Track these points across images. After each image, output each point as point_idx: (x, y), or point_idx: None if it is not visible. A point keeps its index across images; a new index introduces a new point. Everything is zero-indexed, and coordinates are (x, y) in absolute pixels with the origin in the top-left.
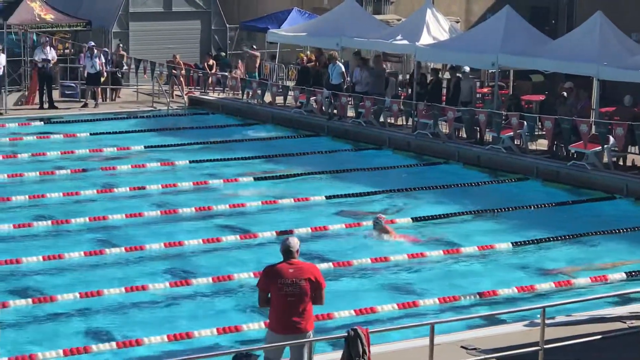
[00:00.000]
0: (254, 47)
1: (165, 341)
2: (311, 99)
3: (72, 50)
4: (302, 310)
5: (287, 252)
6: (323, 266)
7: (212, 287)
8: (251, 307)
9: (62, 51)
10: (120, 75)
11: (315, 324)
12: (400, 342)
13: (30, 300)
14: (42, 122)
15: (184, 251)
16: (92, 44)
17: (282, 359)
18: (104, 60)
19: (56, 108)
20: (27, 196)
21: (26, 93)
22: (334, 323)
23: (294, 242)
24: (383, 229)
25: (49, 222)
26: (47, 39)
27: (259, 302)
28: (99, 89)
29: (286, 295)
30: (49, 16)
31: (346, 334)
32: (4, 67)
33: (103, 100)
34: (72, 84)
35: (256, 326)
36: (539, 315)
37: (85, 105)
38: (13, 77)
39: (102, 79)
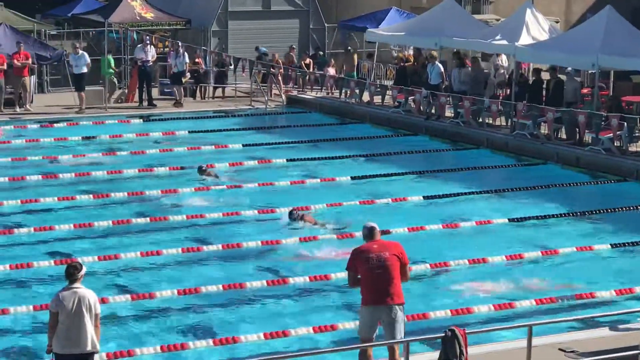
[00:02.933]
0: (350, 48)
1: (262, 339)
2: (409, 98)
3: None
4: (390, 282)
5: (370, 233)
6: (420, 267)
7: (308, 286)
8: (347, 305)
9: (161, 49)
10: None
11: (411, 324)
12: (498, 343)
13: (129, 296)
14: (142, 120)
15: (279, 249)
16: (179, 43)
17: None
18: (187, 61)
19: (155, 106)
20: (126, 193)
21: (126, 91)
22: (430, 323)
23: (373, 223)
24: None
25: (147, 218)
26: (148, 38)
27: (349, 282)
28: (182, 88)
29: (373, 269)
30: (149, 15)
31: (443, 335)
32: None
33: (202, 98)
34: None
35: (352, 325)
36: (638, 319)
37: (177, 104)
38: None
39: (184, 79)
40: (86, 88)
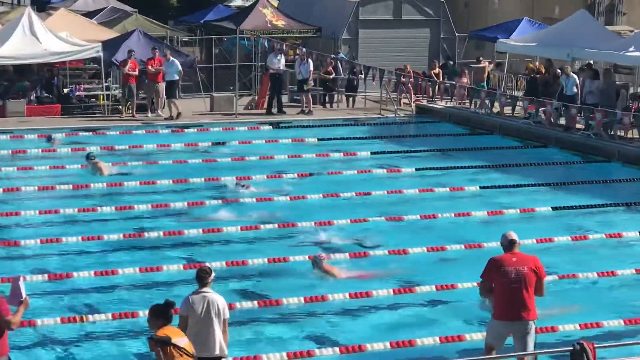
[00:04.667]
0: (481, 58)
1: (387, 348)
2: (540, 109)
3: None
4: (525, 298)
5: (510, 245)
6: (548, 278)
7: (435, 295)
8: (474, 317)
9: (292, 57)
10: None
11: (539, 337)
12: (628, 359)
13: (255, 302)
14: (271, 127)
15: (407, 258)
16: (304, 50)
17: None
18: (311, 68)
19: (284, 113)
20: (254, 199)
21: (256, 98)
22: (558, 336)
23: (514, 234)
24: (323, 268)
25: (275, 225)
26: (279, 46)
27: (481, 291)
28: (303, 96)
29: (509, 283)
30: (280, 22)
31: (571, 348)
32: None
33: (331, 106)
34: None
35: (479, 336)
36: None
37: (302, 112)
38: (243, 81)
39: (306, 87)
40: (216, 95)
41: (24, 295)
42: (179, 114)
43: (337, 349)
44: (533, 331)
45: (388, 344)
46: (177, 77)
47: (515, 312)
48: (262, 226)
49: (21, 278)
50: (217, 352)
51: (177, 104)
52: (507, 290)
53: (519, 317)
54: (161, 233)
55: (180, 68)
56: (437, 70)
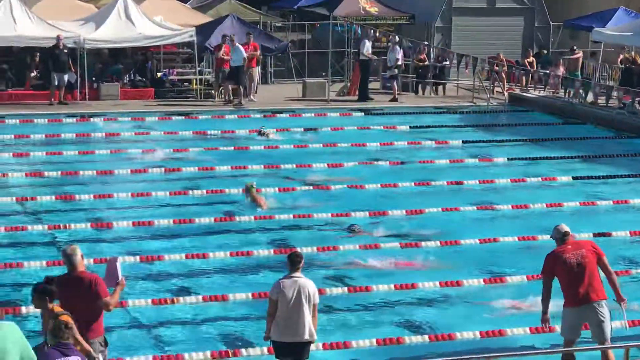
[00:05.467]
0: (575, 47)
1: (477, 337)
2: (635, 100)
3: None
4: (590, 279)
5: (563, 237)
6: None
7: (526, 286)
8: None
9: (385, 44)
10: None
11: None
12: None
13: (346, 289)
14: (363, 113)
15: (498, 248)
16: (396, 37)
17: None
18: (399, 56)
19: (371, 99)
20: (345, 185)
21: (348, 84)
22: None
23: (567, 227)
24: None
25: (367, 212)
26: (372, 32)
27: (544, 288)
28: (399, 82)
29: (572, 269)
30: (374, 9)
31: None
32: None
33: (423, 94)
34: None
35: None
36: None
37: (393, 99)
38: (336, 67)
39: (390, 74)
40: (309, 81)
41: (120, 277)
42: (240, 102)
43: (426, 337)
44: (607, 314)
45: (478, 333)
46: (241, 64)
47: (584, 295)
48: (352, 213)
49: (118, 259)
50: (307, 337)
51: (242, 90)
52: (572, 276)
53: (588, 300)
54: (252, 217)
55: (245, 55)
56: (530, 59)
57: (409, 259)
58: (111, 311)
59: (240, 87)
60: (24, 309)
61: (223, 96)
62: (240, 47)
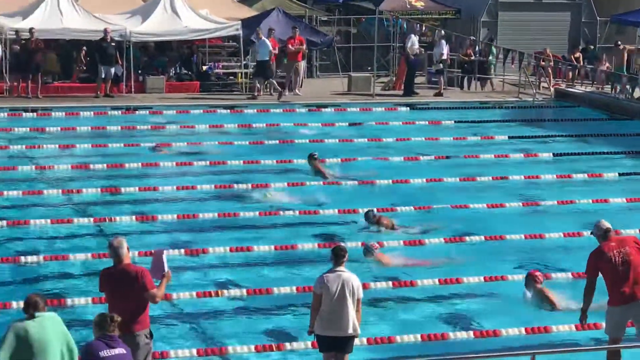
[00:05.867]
0: (619, 42)
1: (522, 334)
2: None
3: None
4: (635, 276)
5: (605, 234)
6: None
7: (571, 283)
8: None
9: (430, 38)
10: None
11: None
12: None
13: (390, 283)
14: (408, 108)
15: (543, 244)
16: (442, 32)
17: None
18: (444, 51)
19: (416, 94)
20: (390, 180)
21: (394, 78)
22: None
23: (608, 223)
24: (375, 257)
25: (412, 207)
26: (418, 27)
27: (586, 287)
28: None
29: (616, 266)
30: (420, 3)
31: None
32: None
33: (469, 89)
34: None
35: None
36: None
37: (438, 94)
38: (382, 62)
39: (434, 68)
40: (354, 75)
41: (166, 269)
42: (281, 94)
43: (471, 333)
44: None
45: (523, 330)
46: (267, 58)
47: (630, 293)
48: (398, 208)
49: (164, 252)
50: (351, 331)
51: (274, 84)
52: (617, 274)
53: (634, 298)
54: (297, 212)
55: (271, 48)
56: (577, 54)
57: (454, 254)
58: (157, 303)
59: (271, 81)
60: (69, 301)
61: (268, 90)
62: (267, 41)
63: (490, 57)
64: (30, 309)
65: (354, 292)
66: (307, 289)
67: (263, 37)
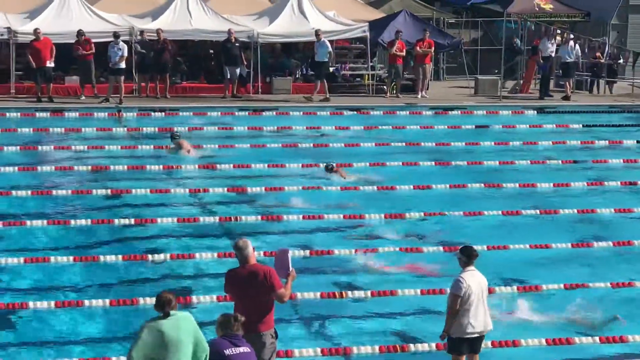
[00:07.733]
0: None
1: (597, 343)
2: None
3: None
4: None
5: None
6: None
7: None
8: None
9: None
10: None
11: None
12: None
13: (515, 287)
14: (535, 112)
15: None
16: (558, 30)
17: None
18: (574, 53)
19: (551, 97)
20: (517, 184)
21: (521, 82)
22: None
23: None
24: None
25: (537, 211)
26: (551, 30)
27: None
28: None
29: None
30: (549, 6)
31: None
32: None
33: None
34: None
35: None
36: None
37: (566, 98)
38: (510, 65)
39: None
40: (481, 78)
41: (291, 268)
42: (326, 98)
43: (597, 338)
44: None
45: (597, 339)
46: (326, 59)
47: None
48: (523, 211)
49: (289, 251)
50: (490, 327)
51: (325, 85)
52: None
53: None
54: (422, 213)
55: (330, 49)
56: None
57: (579, 259)
58: (285, 302)
59: (319, 82)
60: (194, 299)
61: (395, 92)
62: (327, 42)
63: (621, 60)
64: (166, 307)
65: (484, 291)
66: (430, 292)
67: (324, 38)
